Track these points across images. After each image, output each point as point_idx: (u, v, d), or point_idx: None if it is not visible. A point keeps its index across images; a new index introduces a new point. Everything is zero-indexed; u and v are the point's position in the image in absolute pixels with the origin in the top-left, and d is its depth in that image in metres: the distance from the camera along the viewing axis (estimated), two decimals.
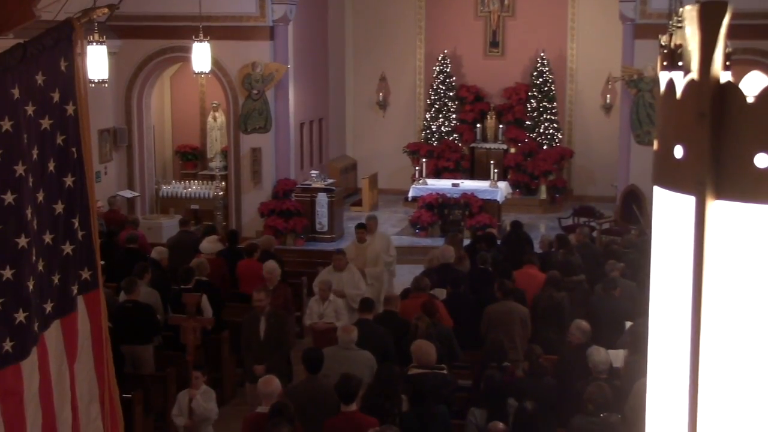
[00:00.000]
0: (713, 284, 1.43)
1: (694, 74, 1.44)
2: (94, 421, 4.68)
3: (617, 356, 9.58)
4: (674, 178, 1.48)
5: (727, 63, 1.45)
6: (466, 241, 16.34)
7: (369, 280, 13.29)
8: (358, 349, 9.30)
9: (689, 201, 1.44)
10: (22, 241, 4.08)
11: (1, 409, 3.97)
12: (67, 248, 4.48)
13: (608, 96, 23.91)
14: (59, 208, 4.43)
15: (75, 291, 4.53)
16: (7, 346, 4.00)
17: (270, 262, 12.11)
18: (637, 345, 9.54)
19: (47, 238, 4.35)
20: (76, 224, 4.52)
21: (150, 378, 10.44)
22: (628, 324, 10.46)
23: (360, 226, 14.29)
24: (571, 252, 13.50)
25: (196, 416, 9.11)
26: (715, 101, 1.40)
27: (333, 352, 9.20)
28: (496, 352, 9.30)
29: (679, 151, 1.46)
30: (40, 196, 4.28)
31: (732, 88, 1.40)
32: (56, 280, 4.41)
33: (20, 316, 4.06)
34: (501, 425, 7.18)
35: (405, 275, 16.66)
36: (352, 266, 12.82)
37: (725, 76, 1.42)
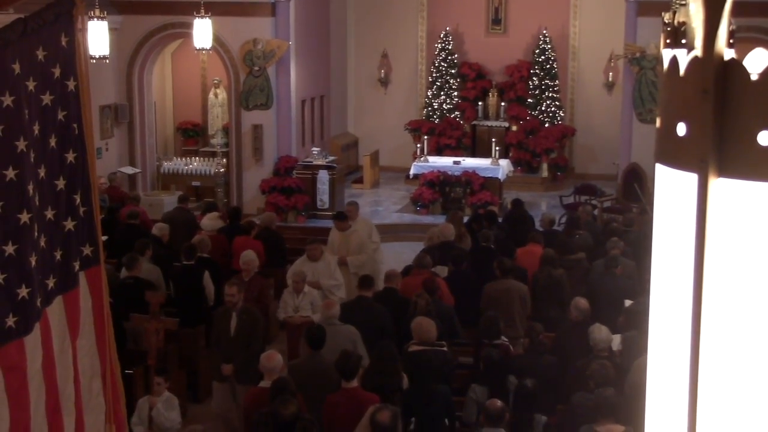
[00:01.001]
0: (715, 262, 1.43)
1: (697, 51, 1.43)
2: (96, 397, 4.69)
3: (616, 340, 9.59)
4: (677, 155, 1.48)
5: (731, 41, 1.44)
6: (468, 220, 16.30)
7: (352, 269, 12.57)
8: (340, 323, 9.35)
9: (692, 178, 1.44)
10: (24, 217, 4.08)
11: (4, 384, 3.98)
12: (69, 224, 4.49)
13: (610, 74, 23.84)
14: (61, 184, 4.43)
15: (77, 267, 4.54)
16: (10, 321, 4.01)
17: (248, 252, 11.57)
18: (635, 323, 9.57)
19: (49, 214, 4.35)
20: (78, 200, 4.52)
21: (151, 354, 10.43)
22: (628, 303, 10.47)
23: (337, 217, 13.37)
24: (578, 231, 13.52)
25: (156, 426, 8.65)
26: (719, 78, 1.40)
27: None
28: (490, 329, 9.32)
29: (681, 129, 1.46)
30: (42, 172, 4.28)
31: (735, 66, 1.40)
32: (58, 256, 4.42)
33: (23, 291, 4.06)
34: (499, 402, 7.20)
35: (406, 253, 16.69)
36: (328, 255, 12.15)
37: (729, 54, 1.42)
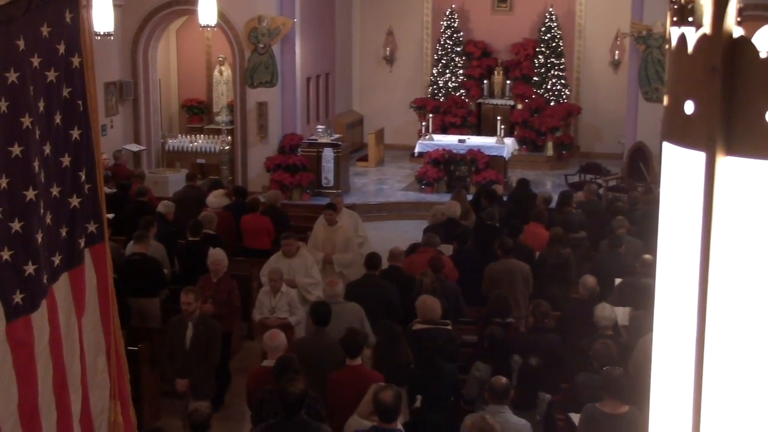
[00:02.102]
0: (722, 241, 1.42)
1: (706, 29, 1.42)
2: (101, 373, 4.71)
3: (621, 314, 9.62)
4: (684, 133, 1.47)
5: (739, 18, 1.43)
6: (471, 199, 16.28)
7: (338, 268, 11.83)
8: (345, 302, 9.35)
9: (699, 157, 1.43)
10: (30, 194, 4.08)
11: (13, 360, 4.00)
12: (74, 201, 4.49)
13: (617, 52, 23.74)
14: (66, 161, 4.43)
15: (82, 244, 4.54)
16: (18, 298, 4.02)
17: (216, 251, 10.73)
18: (626, 300, 9.60)
19: (54, 190, 4.35)
20: (83, 177, 4.52)
21: (156, 331, 10.47)
22: (618, 281, 10.50)
23: (330, 207, 12.60)
24: (571, 209, 13.50)
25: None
26: (727, 56, 1.39)
27: None
28: (500, 308, 9.33)
29: (689, 107, 1.45)
30: (47, 149, 4.28)
31: (745, 43, 1.39)
32: (64, 233, 4.42)
33: (30, 268, 4.07)
34: (504, 379, 7.21)
35: (410, 231, 16.72)
36: (304, 251, 11.33)
37: (738, 31, 1.40)
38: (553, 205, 14.26)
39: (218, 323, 9.31)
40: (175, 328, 9.07)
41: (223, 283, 10.39)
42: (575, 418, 7.67)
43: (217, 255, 10.55)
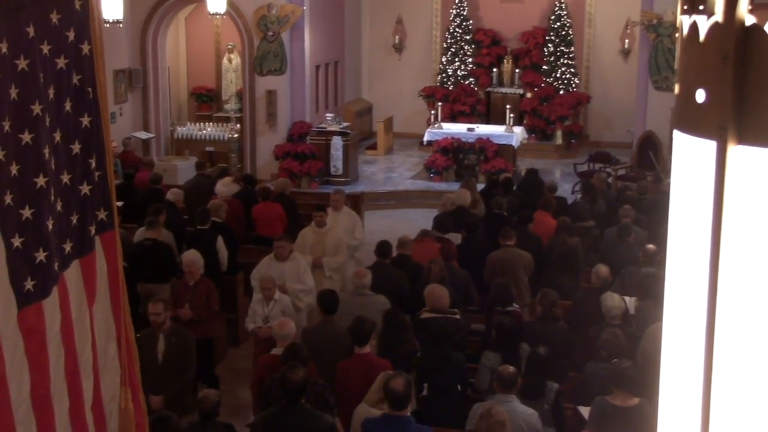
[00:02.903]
0: (733, 230, 1.42)
1: (718, 17, 1.42)
2: (112, 360, 4.73)
3: (631, 303, 9.63)
4: (695, 122, 1.47)
5: (750, 6, 1.42)
6: (481, 186, 16.27)
7: (328, 272, 11.27)
8: (372, 293, 9.32)
9: (710, 146, 1.43)
10: (41, 181, 4.09)
11: (24, 347, 4.01)
12: (85, 188, 4.49)
13: (626, 41, 23.66)
14: (76, 148, 4.43)
15: (93, 231, 4.55)
16: (29, 285, 4.03)
17: (190, 253, 10.22)
18: (631, 289, 9.60)
19: (65, 178, 4.36)
20: (93, 164, 4.53)
21: None
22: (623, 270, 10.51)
23: (320, 209, 11.80)
24: (595, 200, 13.49)
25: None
26: (739, 44, 1.39)
27: (347, 297, 9.24)
28: (502, 296, 9.34)
29: (700, 95, 1.45)
30: (57, 136, 4.28)
31: (757, 31, 1.38)
32: (74, 221, 4.43)
33: (40, 255, 4.08)
34: (511, 368, 7.22)
35: (419, 219, 16.72)
36: (297, 255, 10.70)
37: (750, 19, 1.40)
38: (558, 193, 14.27)
39: (192, 334, 8.76)
40: (145, 341, 8.06)
41: (201, 286, 9.95)
42: (584, 410, 7.68)
43: (190, 256, 10.06)
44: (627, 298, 9.55)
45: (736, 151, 1.40)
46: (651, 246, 10.21)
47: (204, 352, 9.51)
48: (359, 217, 13.16)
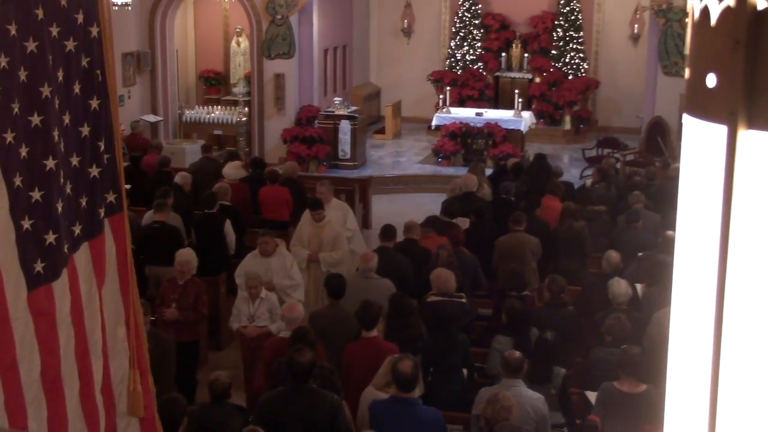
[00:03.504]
0: (743, 214, 1.42)
1: (730, 1, 1.41)
2: (121, 343, 4.75)
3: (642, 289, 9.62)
4: (706, 107, 1.47)
5: None
6: (488, 172, 16.25)
7: (325, 268, 10.61)
8: (378, 277, 9.32)
9: (721, 130, 1.43)
10: (50, 163, 4.10)
11: (35, 328, 4.04)
12: (94, 171, 4.51)
13: (636, 26, 23.55)
14: (85, 130, 4.44)
15: (102, 214, 4.57)
16: (39, 267, 4.05)
17: (185, 251, 9.82)
18: (649, 276, 9.57)
19: (74, 160, 4.37)
20: (102, 147, 4.54)
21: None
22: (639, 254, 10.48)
23: (314, 206, 11.06)
24: (609, 185, 13.46)
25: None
26: (751, 29, 1.38)
27: (353, 280, 9.24)
28: (516, 282, 9.34)
29: (711, 80, 1.45)
30: (66, 119, 4.29)
31: None
32: (84, 203, 4.44)
33: (50, 237, 4.10)
34: (518, 353, 7.23)
35: (427, 204, 16.71)
36: (283, 250, 10.24)
37: (762, 3, 1.39)
38: (564, 178, 14.26)
39: (170, 337, 8.47)
40: None
41: (190, 287, 9.51)
42: (591, 395, 7.69)
43: (184, 255, 9.65)
44: (639, 285, 9.54)
45: (746, 136, 1.40)
46: (671, 232, 10.13)
47: (188, 356, 9.04)
48: (350, 207, 12.48)
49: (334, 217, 11.50)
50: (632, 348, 7.33)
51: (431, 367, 7.97)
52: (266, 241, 9.99)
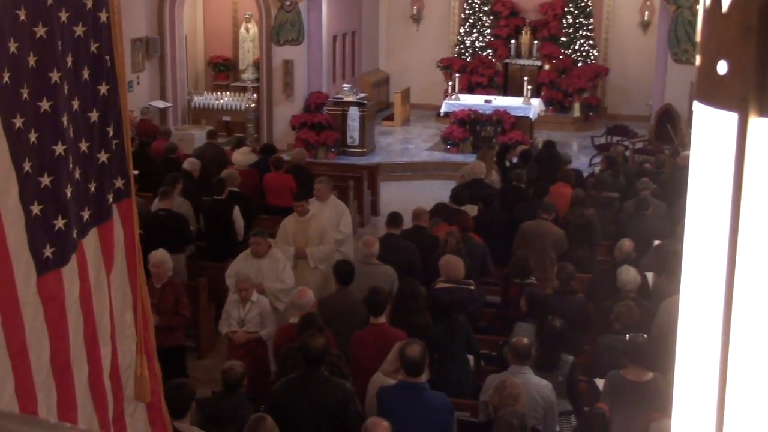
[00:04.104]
0: (753, 203, 1.41)
1: None
2: (129, 328, 4.77)
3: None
4: (716, 94, 1.46)
5: None
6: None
7: (313, 263, 10.29)
8: (379, 263, 9.31)
9: (731, 118, 1.42)
10: (59, 149, 4.10)
11: (44, 313, 4.05)
12: (102, 156, 4.51)
13: (646, 13, 23.45)
14: (94, 116, 4.45)
15: (110, 199, 4.57)
16: (48, 252, 4.05)
17: (158, 252, 9.21)
18: (664, 265, 9.54)
19: (83, 146, 4.37)
20: (111, 133, 4.54)
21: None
22: (656, 242, 10.45)
23: (299, 198, 10.62)
24: (617, 173, 13.43)
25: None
26: (763, 15, 1.37)
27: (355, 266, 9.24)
28: (521, 269, 9.33)
29: (722, 67, 1.44)
30: (75, 104, 4.29)
31: None
32: (92, 188, 4.45)
33: (59, 222, 4.11)
34: (525, 340, 7.23)
35: (435, 191, 16.71)
36: (276, 251, 9.73)
37: None
38: (573, 166, 14.24)
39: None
40: None
41: (168, 290, 9.11)
42: (599, 382, 7.69)
43: (158, 256, 9.13)
44: (649, 273, 9.52)
45: (757, 123, 1.39)
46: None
47: (172, 364, 8.47)
48: (346, 208, 11.84)
49: (329, 214, 11.06)
50: (638, 336, 7.32)
51: (435, 354, 7.97)
52: (258, 241, 9.52)
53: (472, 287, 8.93)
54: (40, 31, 3.98)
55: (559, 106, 23.24)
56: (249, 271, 9.29)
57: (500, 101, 20.86)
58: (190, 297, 9.64)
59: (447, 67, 23.87)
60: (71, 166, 4.21)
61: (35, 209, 3.98)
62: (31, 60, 3.95)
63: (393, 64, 25.65)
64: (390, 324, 8.04)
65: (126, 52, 15.37)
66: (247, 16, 23.21)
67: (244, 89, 21.76)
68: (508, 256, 10.43)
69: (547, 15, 23.94)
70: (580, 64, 23.31)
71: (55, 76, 4.07)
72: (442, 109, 21.20)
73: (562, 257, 10.21)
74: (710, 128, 1.49)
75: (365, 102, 19.91)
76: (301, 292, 8.31)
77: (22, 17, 3.88)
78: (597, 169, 15.59)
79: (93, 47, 4.40)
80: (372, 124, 20.58)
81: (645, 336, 7.49)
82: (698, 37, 1.61)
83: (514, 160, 14.92)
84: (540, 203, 11.07)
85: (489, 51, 24.03)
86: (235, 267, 9.54)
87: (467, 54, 24.04)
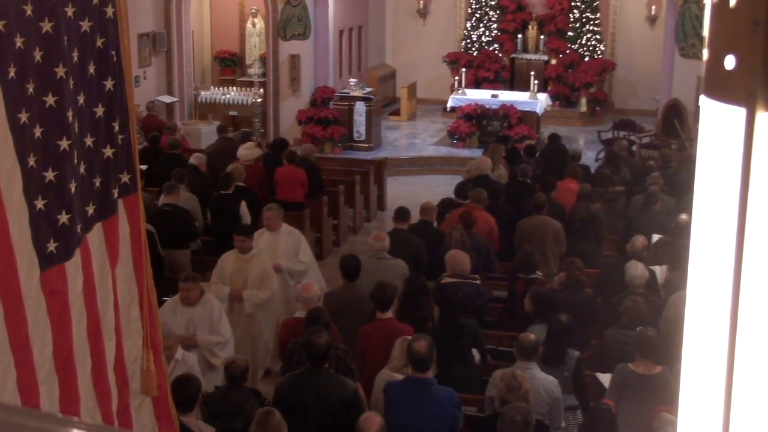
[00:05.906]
0: (760, 198, 1.40)
1: None
2: (135, 323, 4.77)
3: (660, 272, 9.58)
4: (724, 89, 1.45)
5: None
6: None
7: (249, 309, 9.20)
8: (390, 257, 9.31)
9: (739, 113, 1.41)
10: (64, 144, 4.10)
11: (47, 308, 4.05)
12: (108, 152, 4.51)
13: (653, 7, 23.39)
14: (100, 111, 4.44)
15: (116, 194, 4.57)
16: (51, 246, 4.06)
17: None
18: (662, 258, 9.54)
19: (88, 141, 4.37)
20: (117, 128, 4.54)
21: None
22: (656, 237, 10.43)
23: (242, 232, 9.46)
24: (618, 168, 13.40)
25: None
26: None
27: (365, 261, 9.23)
28: (526, 263, 9.32)
29: (730, 62, 1.43)
30: (81, 99, 4.29)
31: None
32: (98, 183, 4.45)
33: (63, 217, 4.11)
34: (532, 336, 7.22)
35: (442, 186, 16.72)
36: (210, 297, 8.42)
37: None
38: (582, 161, 14.21)
39: None
40: None
41: None
42: (603, 378, 7.67)
43: None
44: (658, 268, 9.50)
45: (765, 118, 1.38)
46: (684, 216, 10.07)
47: None
48: (302, 235, 10.58)
49: (283, 246, 10.06)
50: (648, 330, 7.31)
51: (442, 349, 7.96)
52: (189, 287, 8.14)
53: (478, 282, 8.93)
54: (47, 26, 3.98)
55: (566, 100, 23.21)
56: (179, 323, 8.08)
57: (507, 96, 20.84)
58: None
59: (453, 61, 23.85)
60: (76, 161, 4.22)
61: (39, 204, 3.98)
62: (37, 55, 3.95)
63: (399, 58, 25.64)
64: (397, 319, 8.03)
65: (133, 46, 15.38)
66: (253, 10, 23.21)
67: (250, 84, 21.77)
68: (513, 251, 10.43)
69: (553, 9, 23.90)
70: (587, 59, 23.28)
71: (60, 71, 4.07)
72: (449, 104, 21.18)
73: (569, 252, 10.20)
74: (718, 123, 1.48)
75: (371, 97, 19.92)
76: (307, 286, 8.29)
77: (29, 12, 3.88)
78: (600, 164, 15.56)
79: (99, 42, 4.40)
80: (378, 118, 20.58)
81: (653, 329, 7.48)
82: (706, 32, 1.60)
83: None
84: (536, 199, 11.01)
85: (496, 46, 24.01)
86: (164, 312, 7.83)
87: (474, 49, 24.02)
